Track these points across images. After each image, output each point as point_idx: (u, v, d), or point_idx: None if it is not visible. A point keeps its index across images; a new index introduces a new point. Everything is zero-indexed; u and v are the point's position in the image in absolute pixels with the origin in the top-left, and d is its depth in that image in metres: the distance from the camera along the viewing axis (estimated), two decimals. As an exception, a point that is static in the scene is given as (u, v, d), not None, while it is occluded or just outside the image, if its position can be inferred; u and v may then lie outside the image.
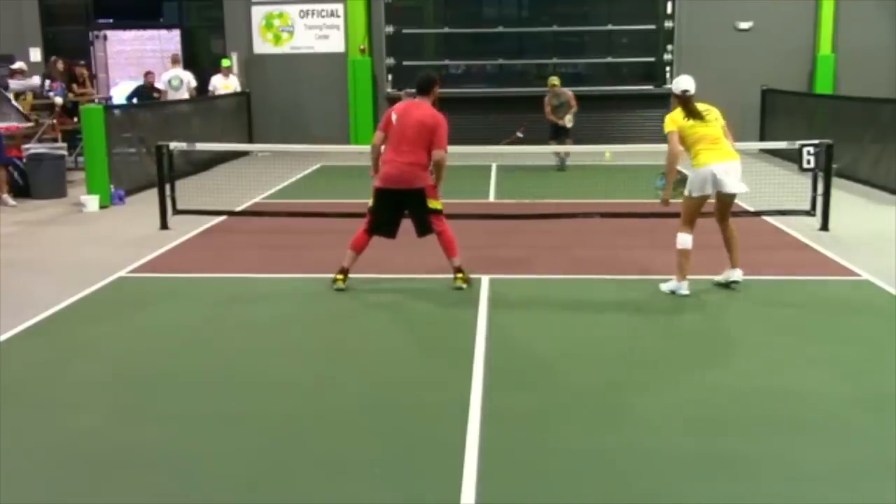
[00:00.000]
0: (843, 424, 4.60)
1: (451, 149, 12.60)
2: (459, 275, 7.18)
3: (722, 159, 6.88)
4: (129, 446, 4.39)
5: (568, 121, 14.31)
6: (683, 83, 7.04)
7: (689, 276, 6.96)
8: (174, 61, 16.48)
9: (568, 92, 14.44)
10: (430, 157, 7.07)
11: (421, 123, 7.02)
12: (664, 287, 7.03)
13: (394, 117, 7.15)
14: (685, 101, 6.99)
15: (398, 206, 7.20)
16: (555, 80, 14.49)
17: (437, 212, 7.19)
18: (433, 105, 7.21)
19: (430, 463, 4.20)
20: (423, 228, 7.25)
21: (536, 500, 3.85)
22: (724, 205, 7.09)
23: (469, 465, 4.10)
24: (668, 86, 17.13)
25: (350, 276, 7.21)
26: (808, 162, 9.17)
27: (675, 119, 6.98)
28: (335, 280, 7.16)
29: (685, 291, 6.92)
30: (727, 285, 7.10)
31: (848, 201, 10.94)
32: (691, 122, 6.92)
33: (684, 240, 6.96)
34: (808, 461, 4.18)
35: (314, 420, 4.73)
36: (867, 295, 7.08)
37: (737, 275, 7.09)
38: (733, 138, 7.17)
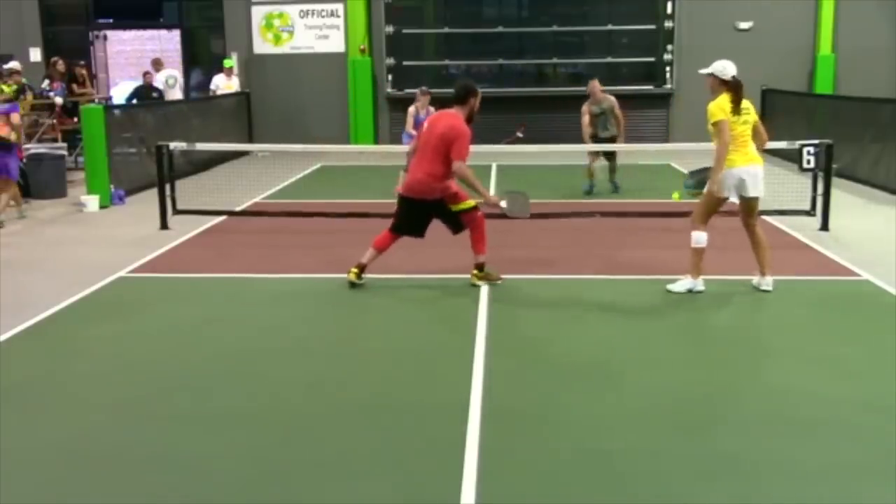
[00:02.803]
0: (843, 424, 4.60)
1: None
2: (475, 272, 7.23)
3: (750, 162, 6.81)
4: (129, 446, 4.39)
5: (611, 132, 11.86)
6: (731, 67, 6.79)
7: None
8: (158, 63, 16.44)
9: (612, 98, 11.99)
10: (450, 169, 7.03)
11: (441, 136, 6.99)
12: (677, 287, 6.97)
13: (425, 125, 7.23)
14: (737, 88, 6.77)
15: (421, 212, 7.23)
16: (594, 84, 12.07)
17: (470, 210, 7.21)
18: (470, 115, 7.12)
19: (430, 463, 4.20)
20: (456, 228, 7.31)
21: (536, 500, 3.85)
22: (749, 207, 6.99)
23: (469, 464, 4.10)
24: (669, 86, 17.27)
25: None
26: (808, 162, 9.16)
27: (723, 108, 6.72)
28: (350, 272, 7.18)
29: (701, 287, 6.94)
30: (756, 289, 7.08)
31: (848, 201, 10.94)
32: (734, 116, 6.73)
33: (701, 238, 6.90)
34: (808, 461, 4.18)
35: (314, 420, 4.72)
36: (867, 295, 7.08)
37: (766, 283, 7.03)
38: (766, 135, 7.11)
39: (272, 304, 6.92)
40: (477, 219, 7.22)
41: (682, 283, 6.99)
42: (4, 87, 12.32)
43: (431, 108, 11.97)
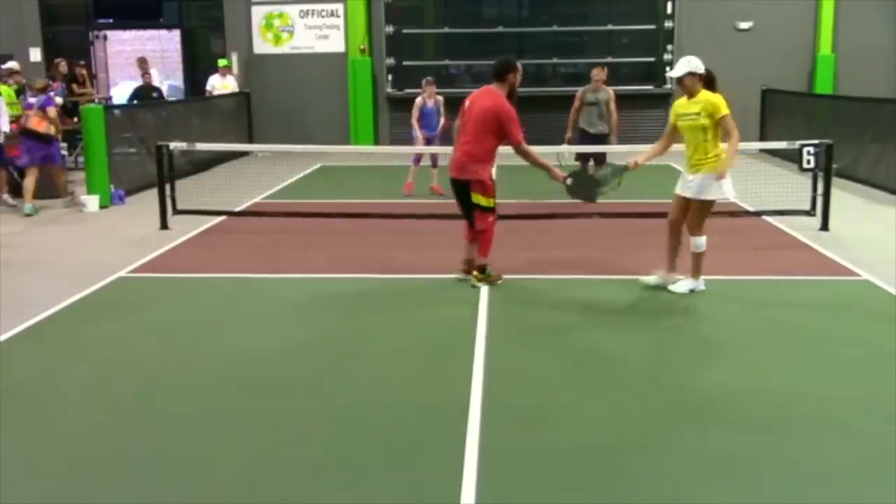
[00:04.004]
0: (843, 424, 4.60)
1: (452, 149, 12.42)
2: (476, 273, 7.20)
3: None
4: (129, 446, 4.39)
5: (600, 130, 10.93)
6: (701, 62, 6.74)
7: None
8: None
9: (610, 90, 11.13)
10: (491, 150, 6.95)
11: (480, 114, 6.90)
12: (679, 287, 6.97)
13: (467, 104, 7.10)
14: (713, 80, 6.75)
15: (458, 193, 7.19)
16: (599, 71, 11.19)
17: (484, 209, 7.10)
18: (510, 93, 6.95)
19: (430, 463, 4.20)
20: (465, 217, 7.25)
21: (536, 500, 3.85)
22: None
23: (469, 465, 4.10)
24: (668, 86, 17.26)
25: (351, 275, 7.21)
26: (808, 162, 9.17)
27: (724, 102, 6.69)
28: (472, 276, 7.21)
29: (702, 287, 7.00)
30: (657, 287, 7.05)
31: (848, 201, 10.94)
32: None
33: (702, 242, 6.93)
34: (808, 461, 4.18)
35: (314, 420, 4.72)
36: (867, 295, 7.08)
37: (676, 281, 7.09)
38: None
39: (272, 305, 6.92)
40: (488, 222, 7.13)
41: (684, 284, 7.00)
42: (4, 88, 12.31)
43: (440, 98, 12.02)
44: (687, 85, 6.76)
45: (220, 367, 5.54)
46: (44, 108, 11.06)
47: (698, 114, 6.72)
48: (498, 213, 7.31)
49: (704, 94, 6.73)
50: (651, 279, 7.13)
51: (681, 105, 6.89)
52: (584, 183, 7.33)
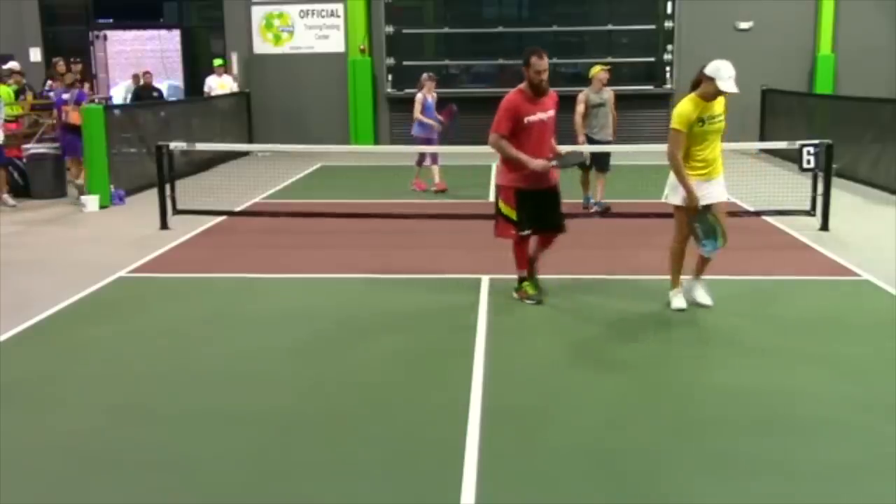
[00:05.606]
0: (843, 424, 4.60)
1: (452, 149, 12.46)
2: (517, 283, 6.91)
3: None
4: (128, 446, 4.39)
5: (608, 134, 10.31)
6: None
7: (684, 278, 6.99)
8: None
9: (610, 90, 10.39)
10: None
11: None
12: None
13: None
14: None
15: None
16: (601, 69, 10.35)
17: (503, 217, 6.77)
18: (531, 84, 6.54)
19: (430, 463, 4.20)
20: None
21: (536, 500, 3.85)
22: None
23: (469, 465, 4.10)
24: (669, 86, 17.27)
25: (351, 275, 7.20)
26: (808, 162, 9.17)
27: None
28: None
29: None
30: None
31: (848, 201, 10.94)
32: None
33: None
34: (808, 461, 4.18)
35: (314, 420, 4.72)
36: (867, 295, 7.08)
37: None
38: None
39: (271, 305, 6.92)
40: (508, 234, 6.78)
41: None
42: (4, 88, 12.33)
43: (435, 95, 12.07)
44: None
45: (219, 367, 5.54)
46: (79, 102, 11.54)
47: (722, 114, 6.51)
48: (523, 233, 6.76)
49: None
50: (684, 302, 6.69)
51: (701, 109, 6.40)
52: (569, 155, 7.07)
